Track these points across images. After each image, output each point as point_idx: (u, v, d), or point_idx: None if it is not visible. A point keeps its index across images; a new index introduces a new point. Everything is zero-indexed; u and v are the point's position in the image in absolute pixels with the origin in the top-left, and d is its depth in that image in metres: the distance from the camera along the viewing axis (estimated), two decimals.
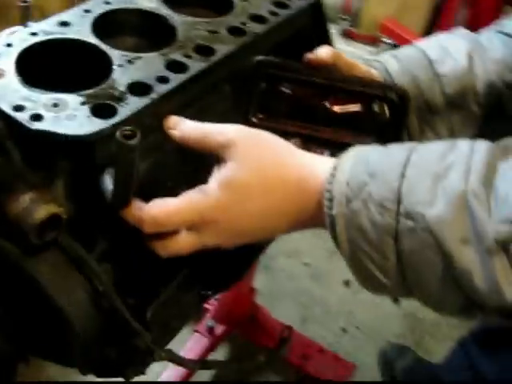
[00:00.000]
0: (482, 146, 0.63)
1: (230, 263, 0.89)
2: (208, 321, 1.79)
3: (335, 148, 0.81)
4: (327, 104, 0.86)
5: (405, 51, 1.00)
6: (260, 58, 0.83)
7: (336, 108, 0.86)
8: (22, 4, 1.00)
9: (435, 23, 3.97)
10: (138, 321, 0.70)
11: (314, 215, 0.69)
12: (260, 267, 2.07)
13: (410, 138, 0.94)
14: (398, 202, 0.61)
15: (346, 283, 2.34)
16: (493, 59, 0.95)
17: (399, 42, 4.07)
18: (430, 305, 0.67)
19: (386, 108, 0.86)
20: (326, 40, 1.10)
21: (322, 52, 0.88)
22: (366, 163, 0.65)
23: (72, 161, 0.67)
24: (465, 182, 0.60)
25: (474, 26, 3.62)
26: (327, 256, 2.46)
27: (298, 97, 0.85)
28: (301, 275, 2.40)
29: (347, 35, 4.10)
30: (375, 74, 0.95)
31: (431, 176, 0.61)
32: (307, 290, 2.33)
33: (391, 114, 0.86)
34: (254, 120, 0.83)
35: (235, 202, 0.67)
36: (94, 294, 0.69)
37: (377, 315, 2.23)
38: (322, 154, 0.78)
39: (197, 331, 1.76)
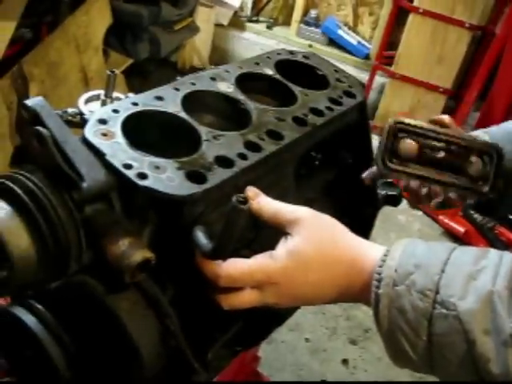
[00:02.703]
0: (509, 258, 0.76)
1: (264, 323, 1.00)
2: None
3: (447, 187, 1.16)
4: (442, 153, 1.16)
5: (492, 129, 1.30)
6: (394, 119, 1.16)
7: (447, 157, 1.15)
8: (109, 73, 1.14)
9: None
10: (197, 362, 0.80)
11: (361, 291, 0.81)
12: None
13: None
14: (436, 291, 0.74)
15: (344, 362, 2.41)
16: None
17: None
18: (447, 380, 0.78)
19: (483, 161, 1.15)
20: (368, 132, 1.24)
21: (444, 116, 1.19)
22: (414, 255, 0.78)
23: (163, 215, 0.78)
24: (492, 284, 0.72)
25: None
26: (328, 334, 2.53)
27: (421, 148, 1.15)
28: (301, 349, 2.47)
29: None
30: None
31: (465, 275, 0.74)
32: (306, 364, 2.39)
33: (488, 166, 1.15)
34: (390, 165, 1.15)
35: (298, 270, 0.79)
36: (164, 333, 0.79)
37: None
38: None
39: None
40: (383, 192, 1.37)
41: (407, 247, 0.79)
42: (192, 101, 0.95)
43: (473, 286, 0.73)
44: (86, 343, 0.83)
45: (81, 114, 1.17)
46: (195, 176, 0.78)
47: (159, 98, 0.92)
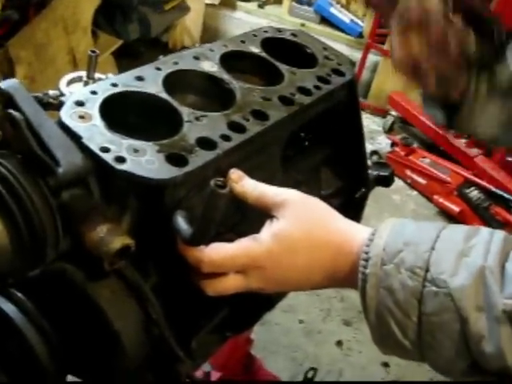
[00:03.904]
0: (500, 235, 0.74)
1: (254, 308, 0.98)
2: (205, 366, 1.83)
3: None
4: None
5: None
6: None
7: None
8: (91, 54, 1.10)
9: None
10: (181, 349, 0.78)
11: (348, 274, 0.78)
12: None
13: None
14: (426, 269, 0.71)
15: (339, 343, 2.40)
16: None
17: (406, 115, 4.23)
18: (438, 366, 0.76)
19: None
20: (357, 111, 1.21)
21: None
22: (402, 233, 0.75)
23: (143, 200, 0.75)
24: (484, 259, 0.70)
25: None
26: (322, 316, 2.52)
27: None
28: (295, 331, 2.46)
29: None
30: None
31: (456, 252, 0.72)
32: (300, 346, 2.38)
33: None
34: None
35: (284, 253, 0.76)
36: (146, 321, 0.77)
37: (365, 377, 2.29)
38: None
39: (192, 376, 1.81)
40: (375, 172, 1.34)
41: (395, 226, 0.77)
42: (174, 80, 0.92)
43: (464, 263, 0.70)
44: (68, 332, 0.81)
45: (62, 95, 1.14)
46: (176, 159, 0.75)
47: (140, 79, 0.89)
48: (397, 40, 1.09)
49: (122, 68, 3.71)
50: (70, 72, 2.85)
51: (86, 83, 1.15)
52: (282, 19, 4.81)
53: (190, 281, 0.79)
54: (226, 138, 0.82)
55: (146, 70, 0.91)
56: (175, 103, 0.86)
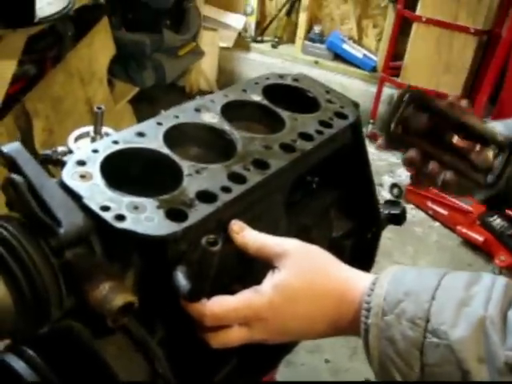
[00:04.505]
0: (502, 282, 0.73)
1: (267, 356, 0.97)
2: None
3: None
4: (452, 136, 1.09)
5: (507, 120, 1.20)
6: (412, 89, 1.10)
7: (457, 141, 1.09)
8: (96, 110, 1.13)
9: None
10: None
11: (351, 323, 0.78)
12: (282, 361, 2.12)
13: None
14: (427, 320, 0.71)
15: (366, 381, 2.36)
16: None
17: None
18: None
19: (494, 153, 1.08)
20: (364, 152, 1.21)
21: (463, 101, 1.11)
22: (403, 282, 0.75)
23: (146, 256, 0.76)
24: (484, 309, 0.69)
25: None
26: (348, 354, 2.49)
27: (432, 124, 1.10)
28: (321, 371, 2.43)
29: (372, 137, 4.25)
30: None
31: (457, 301, 0.71)
32: None
33: (499, 159, 1.07)
34: (394, 128, 1.11)
35: (286, 304, 0.76)
36: (153, 375, 0.77)
37: None
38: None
39: None
40: (386, 211, 1.34)
41: (396, 274, 0.77)
42: (175, 134, 0.93)
43: (464, 313, 0.70)
44: None
45: (70, 152, 1.17)
46: (175, 214, 0.76)
47: (141, 134, 0.90)
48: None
49: (139, 113, 3.78)
50: (88, 122, 2.91)
51: (93, 139, 1.18)
52: (295, 58, 4.86)
53: (195, 334, 0.79)
54: (226, 189, 0.83)
55: (147, 126, 0.93)
56: (176, 157, 0.87)
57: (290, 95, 1.17)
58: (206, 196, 0.81)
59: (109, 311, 0.70)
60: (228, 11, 4.77)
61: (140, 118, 3.83)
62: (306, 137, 1.01)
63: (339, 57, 4.80)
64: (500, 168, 1.06)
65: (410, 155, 1.11)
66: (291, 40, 4.97)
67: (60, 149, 1.15)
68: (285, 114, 1.07)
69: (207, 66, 4.74)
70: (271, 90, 1.15)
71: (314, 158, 1.02)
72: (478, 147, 1.09)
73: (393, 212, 1.35)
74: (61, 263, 0.72)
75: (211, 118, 0.99)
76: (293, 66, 4.80)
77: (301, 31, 4.83)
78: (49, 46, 3.15)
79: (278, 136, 1.00)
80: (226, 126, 0.98)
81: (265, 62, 4.90)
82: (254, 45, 4.98)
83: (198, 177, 0.84)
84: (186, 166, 0.86)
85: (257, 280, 0.80)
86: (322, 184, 1.22)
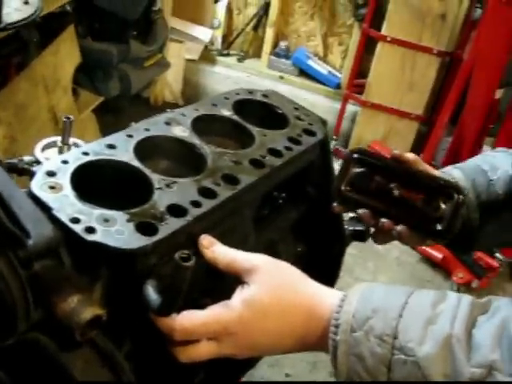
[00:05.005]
0: (467, 301, 0.75)
1: (231, 370, 0.98)
2: None
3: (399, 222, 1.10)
4: (398, 190, 1.11)
5: (463, 164, 1.26)
6: (357, 147, 1.13)
7: (403, 193, 1.11)
8: (65, 120, 1.12)
9: (420, 148, 4.20)
10: None
11: (319, 339, 0.79)
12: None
13: (471, 228, 1.17)
14: (395, 337, 0.73)
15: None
16: None
17: None
18: None
19: (443, 202, 1.09)
20: (330, 170, 1.23)
21: (408, 154, 1.12)
22: (371, 300, 0.77)
23: (114, 269, 0.76)
24: (450, 327, 0.71)
25: (456, 154, 3.82)
26: (309, 368, 2.50)
27: (379, 180, 1.12)
28: None
29: (336, 154, 4.29)
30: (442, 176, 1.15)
31: (424, 319, 0.73)
32: None
33: (448, 207, 1.08)
34: (344, 190, 1.12)
35: (255, 318, 0.77)
36: None
37: None
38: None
39: None
40: (350, 228, 1.36)
41: (364, 292, 0.78)
42: (146, 147, 0.93)
43: (431, 331, 0.71)
44: None
45: (37, 162, 1.15)
46: (145, 227, 0.76)
47: (111, 146, 0.90)
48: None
49: (103, 124, 3.75)
50: (51, 130, 2.86)
51: (61, 149, 1.16)
52: (260, 72, 4.88)
53: (163, 348, 0.79)
54: (196, 204, 0.83)
55: (118, 138, 0.93)
56: (146, 170, 0.87)
57: (260, 111, 1.18)
58: (176, 210, 0.81)
59: (77, 324, 0.70)
60: (195, 24, 4.77)
61: (104, 128, 3.81)
62: (275, 153, 1.02)
63: (304, 73, 4.83)
64: (449, 216, 1.08)
65: (361, 215, 1.13)
66: (257, 54, 4.99)
67: (26, 158, 1.14)
68: (254, 130, 1.08)
69: (172, 78, 4.73)
70: (241, 105, 1.16)
71: (283, 174, 1.04)
72: (425, 196, 1.10)
73: (357, 229, 1.36)
74: (29, 275, 0.71)
75: (182, 131, 1.00)
76: (258, 80, 4.83)
77: (267, 46, 4.86)
78: (13, 53, 3.11)
79: (248, 151, 1.01)
80: (197, 140, 0.99)
81: (230, 76, 4.91)
82: (220, 58, 4.99)
83: (169, 191, 0.85)
84: (156, 179, 0.86)
85: (226, 294, 0.81)
86: (288, 199, 1.23)
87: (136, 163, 0.88)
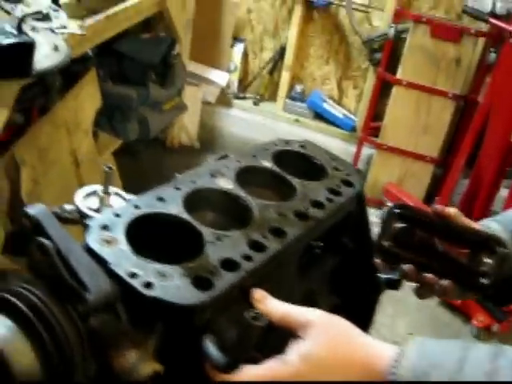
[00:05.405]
0: None
1: None
2: None
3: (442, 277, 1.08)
4: (441, 244, 1.11)
5: (501, 216, 1.24)
6: (398, 202, 1.12)
7: (446, 248, 1.11)
8: (106, 169, 1.13)
9: (436, 191, 4.20)
10: None
11: None
12: None
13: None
14: None
15: None
16: None
17: None
18: None
19: (486, 256, 1.08)
20: (367, 220, 1.23)
21: (450, 209, 1.11)
22: (428, 355, 0.77)
23: (170, 324, 0.76)
24: None
25: (473, 196, 3.78)
26: None
27: (421, 235, 1.11)
28: None
29: None
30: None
31: (484, 374, 0.73)
32: None
33: (492, 261, 1.08)
34: (386, 245, 1.09)
35: (312, 374, 0.77)
36: None
37: None
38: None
39: None
40: (384, 276, 1.36)
41: (421, 347, 0.78)
42: (193, 200, 0.95)
43: None
44: None
45: (78, 210, 1.16)
46: (201, 282, 0.77)
47: (161, 199, 0.91)
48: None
49: (120, 166, 3.77)
50: (72, 173, 2.87)
51: (102, 199, 1.18)
52: (276, 116, 4.93)
53: None
54: (247, 258, 0.84)
55: (166, 190, 0.94)
56: (196, 223, 0.88)
57: (298, 162, 1.19)
58: (229, 264, 0.82)
59: (136, 380, 0.70)
60: (212, 67, 4.85)
61: (121, 171, 3.83)
62: (317, 205, 1.03)
63: (319, 116, 4.88)
64: (493, 269, 1.07)
65: (404, 270, 1.13)
66: (273, 98, 5.05)
67: (68, 207, 1.15)
68: (295, 181, 1.09)
69: (189, 121, 4.78)
70: (280, 156, 1.17)
71: (325, 226, 1.04)
72: (468, 251, 1.10)
73: (391, 277, 1.36)
74: (86, 329, 0.72)
75: (226, 183, 1.01)
76: (274, 124, 4.87)
77: (282, 90, 4.92)
78: (36, 95, 3.16)
79: (292, 203, 1.02)
80: (242, 192, 1.00)
81: (246, 119, 4.96)
82: (236, 101, 5.05)
83: (219, 244, 0.85)
84: (206, 232, 0.87)
85: (273, 349, 0.81)
86: (325, 249, 1.24)
87: (186, 216, 0.89)
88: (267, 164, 1.12)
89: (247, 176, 1.06)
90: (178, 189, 0.95)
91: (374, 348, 0.81)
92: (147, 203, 0.90)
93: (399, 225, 1.10)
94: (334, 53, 4.80)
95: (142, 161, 4.23)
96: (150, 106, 3.83)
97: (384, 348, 0.81)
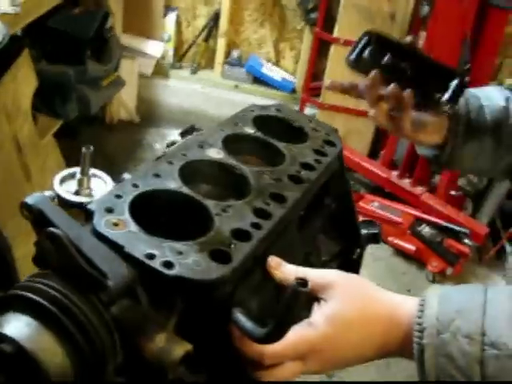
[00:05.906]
0: None
1: None
2: None
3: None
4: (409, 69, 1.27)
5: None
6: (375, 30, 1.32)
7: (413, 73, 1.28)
8: (84, 150, 1.09)
9: (380, 145, 4.27)
10: None
11: (400, 345, 0.80)
12: None
13: (454, 142, 1.31)
14: (483, 334, 0.74)
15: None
16: None
17: (348, 162, 4.32)
18: None
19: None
20: (346, 177, 1.24)
21: (408, 38, 1.32)
22: (451, 302, 0.78)
23: (191, 301, 0.75)
24: None
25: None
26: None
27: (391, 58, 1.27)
28: None
29: None
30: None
31: (507, 313, 0.75)
32: None
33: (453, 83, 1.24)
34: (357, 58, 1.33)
35: (340, 334, 0.77)
36: None
37: None
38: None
39: None
40: (365, 231, 1.38)
41: (442, 295, 0.79)
42: (187, 173, 0.92)
43: None
44: None
45: (58, 196, 1.12)
46: (219, 255, 0.75)
47: (157, 175, 0.89)
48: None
49: (62, 149, 3.66)
50: (15, 158, 2.79)
51: (81, 180, 1.13)
52: (215, 83, 4.89)
53: (242, 373, 0.78)
54: (257, 226, 0.83)
55: (160, 166, 0.91)
56: (199, 197, 0.86)
57: (278, 126, 1.18)
58: (241, 234, 0.80)
59: (170, 363, 0.68)
60: (145, 39, 4.75)
61: (63, 153, 3.72)
62: (308, 167, 1.03)
63: (259, 80, 4.86)
64: (453, 89, 1.22)
65: (374, 77, 1.29)
66: (210, 65, 5.00)
67: (47, 193, 1.11)
68: (281, 145, 1.08)
69: (127, 95, 4.68)
70: (260, 121, 1.15)
71: (316, 187, 1.04)
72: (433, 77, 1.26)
73: (371, 231, 1.38)
74: (111, 318, 0.69)
75: (216, 153, 0.99)
76: (213, 91, 4.83)
77: (219, 56, 4.88)
78: None
79: (283, 168, 1.00)
80: (233, 161, 0.98)
81: (184, 88, 4.90)
82: (172, 71, 4.97)
83: (226, 215, 0.84)
84: (211, 205, 0.85)
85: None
86: (310, 211, 1.24)
87: (186, 190, 0.87)
88: (250, 130, 1.10)
89: (233, 144, 1.04)
90: (170, 163, 0.92)
91: (396, 301, 0.82)
92: (145, 181, 0.87)
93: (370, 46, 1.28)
94: (269, 15, 4.78)
95: (82, 141, 4.13)
96: (88, 83, 3.73)
97: (405, 300, 0.82)
